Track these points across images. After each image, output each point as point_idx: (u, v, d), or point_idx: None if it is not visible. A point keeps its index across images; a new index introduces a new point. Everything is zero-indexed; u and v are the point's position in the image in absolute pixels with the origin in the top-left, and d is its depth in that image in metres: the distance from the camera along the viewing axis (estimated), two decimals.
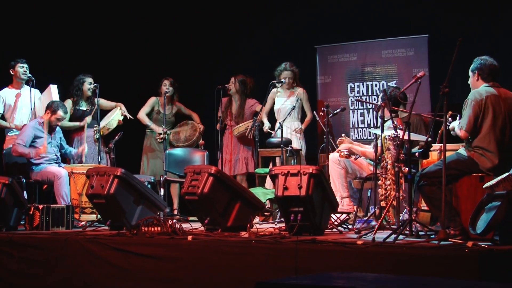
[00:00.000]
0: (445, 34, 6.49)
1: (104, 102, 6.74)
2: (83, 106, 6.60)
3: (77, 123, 6.52)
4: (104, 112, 6.71)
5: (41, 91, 6.58)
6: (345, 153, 5.28)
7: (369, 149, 5.42)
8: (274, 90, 6.63)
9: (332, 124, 6.78)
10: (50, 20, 7.51)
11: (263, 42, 7.58)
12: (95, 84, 6.42)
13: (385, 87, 6.69)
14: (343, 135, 5.64)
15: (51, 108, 5.98)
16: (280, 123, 6.19)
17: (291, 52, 7.30)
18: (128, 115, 6.64)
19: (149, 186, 5.63)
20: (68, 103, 6.53)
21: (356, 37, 7.09)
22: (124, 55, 7.71)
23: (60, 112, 5.97)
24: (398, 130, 4.50)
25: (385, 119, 5.33)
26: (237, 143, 6.74)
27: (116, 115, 6.52)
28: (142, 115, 6.89)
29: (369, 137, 6.71)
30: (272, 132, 6.39)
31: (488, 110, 4.23)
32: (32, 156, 5.80)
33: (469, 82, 4.44)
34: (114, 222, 4.91)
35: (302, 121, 6.64)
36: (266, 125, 6.55)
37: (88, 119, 6.49)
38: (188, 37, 7.80)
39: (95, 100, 6.49)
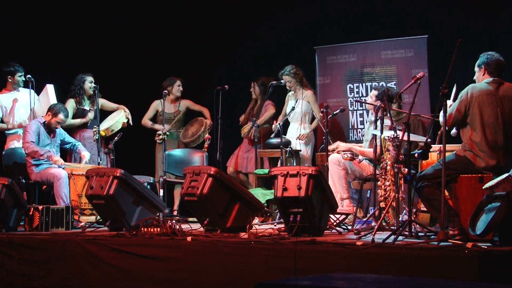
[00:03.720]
0: (444, 34, 6.48)
1: (106, 103, 6.75)
2: (86, 105, 6.60)
3: (79, 120, 6.51)
4: (106, 113, 6.69)
5: (38, 92, 6.53)
6: (348, 155, 5.28)
7: (365, 148, 5.43)
8: (289, 94, 6.65)
9: (332, 125, 6.77)
10: (48, 19, 7.49)
11: (263, 43, 7.56)
12: (95, 85, 6.41)
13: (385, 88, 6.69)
14: (336, 142, 5.59)
15: (52, 110, 5.98)
16: (279, 124, 6.18)
17: (290, 52, 7.29)
18: (130, 120, 6.62)
19: (148, 187, 5.62)
20: (71, 102, 6.53)
21: (355, 37, 7.08)
22: (123, 55, 7.69)
23: (61, 116, 5.97)
24: (397, 131, 4.49)
25: (376, 119, 5.36)
26: (247, 142, 6.79)
27: (121, 118, 6.52)
28: (145, 120, 6.93)
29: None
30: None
31: (476, 110, 4.21)
32: (44, 158, 5.80)
33: (474, 77, 4.41)
34: (113, 223, 4.91)
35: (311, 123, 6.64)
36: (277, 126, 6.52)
37: (91, 114, 6.48)
38: (188, 38, 7.78)
39: (97, 100, 6.51)
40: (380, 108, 4.89)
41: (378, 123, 4.96)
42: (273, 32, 7.50)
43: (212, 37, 7.74)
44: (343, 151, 5.32)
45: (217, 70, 7.62)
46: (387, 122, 4.97)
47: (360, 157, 5.35)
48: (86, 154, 6.05)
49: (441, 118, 4.31)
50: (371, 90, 6.83)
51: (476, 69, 4.39)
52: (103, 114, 6.71)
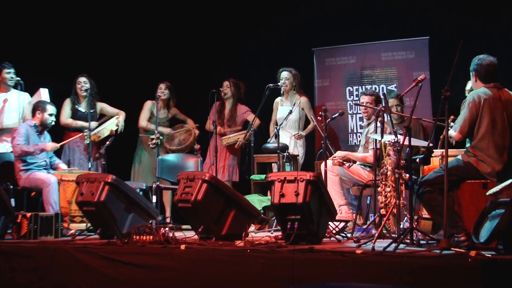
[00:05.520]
0: (446, 35, 6.49)
1: (105, 107, 6.75)
2: (82, 108, 6.59)
3: (74, 122, 6.50)
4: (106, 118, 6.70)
5: (31, 94, 6.54)
6: (338, 160, 5.27)
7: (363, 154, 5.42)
8: (277, 100, 6.68)
9: (330, 129, 6.76)
10: (43, 21, 7.47)
11: (260, 45, 7.54)
12: (89, 87, 6.44)
13: (385, 91, 6.70)
14: (338, 152, 5.61)
15: (39, 108, 6.00)
16: (276, 128, 6.17)
17: (287, 55, 7.28)
18: (120, 128, 6.59)
19: (141, 193, 5.62)
20: (66, 102, 6.58)
21: (354, 39, 7.08)
22: (119, 58, 7.67)
23: (49, 107, 6.01)
24: (398, 135, 4.49)
25: (370, 121, 5.42)
26: (223, 150, 6.75)
27: (110, 124, 6.52)
28: (144, 122, 6.88)
29: None
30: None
31: (486, 113, 4.24)
32: (37, 153, 5.81)
33: (470, 82, 4.48)
34: (104, 230, 4.90)
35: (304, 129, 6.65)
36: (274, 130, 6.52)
37: (92, 124, 6.45)
38: (186, 40, 7.76)
39: (97, 103, 6.56)
40: (380, 112, 4.89)
41: (378, 127, 4.97)
42: (270, 34, 7.47)
43: (207, 39, 7.70)
44: (335, 157, 5.31)
45: (212, 72, 7.57)
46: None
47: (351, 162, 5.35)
48: (62, 166, 6.04)
49: (452, 133, 4.33)
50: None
51: (471, 74, 4.45)
52: (103, 118, 6.71)
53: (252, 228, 5.47)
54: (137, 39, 7.79)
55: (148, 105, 6.96)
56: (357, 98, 6.94)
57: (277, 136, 6.06)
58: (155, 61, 7.73)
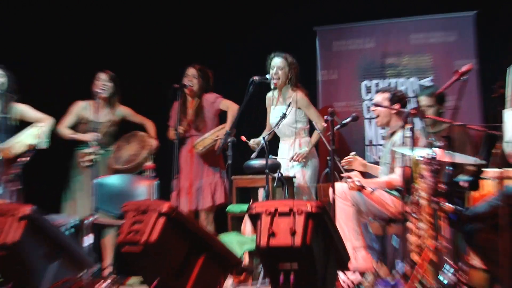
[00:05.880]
0: (500, 10, 6.53)
1: (27, 112, 6.72)
2: None
3: None
4: (27, 125, 6.66)
5: None
6: (356, 183, 5.26)
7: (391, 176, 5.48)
8: (269, 95, 6.72)
9: (341, 139, 6.68)
10: None
11: (249, 33, 7.55)
12: (1, 81, 6.45)
13: (416, 86, 6.72)
14: (352, 153, 5.69)
15: None
16: (264, 138, 6.06)
17: (280, 36, 7.27)
18: (43, 141, 6.55)
19: (72, 230, 5.64)
20: None
21: (373, 14, 7.14)
22: (53, 46, 7.69)
23: None
24: (435, 149, 4.52)
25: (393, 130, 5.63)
26: (199, 164, 6.76)
27: (27, 135, 6.49)
28: (61, 129, 6.90)
29: None
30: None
31: None
32: None
33: None
34: (16, 284, 4.81)
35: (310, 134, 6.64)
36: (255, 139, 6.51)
37: None
38: (134, 24, 7.86)
39: (15, 106, 6.54)
40: (409, 116, 4.89)
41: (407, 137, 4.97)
42: (261, 18, 7.48)
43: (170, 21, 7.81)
44: (350, 177, 5.32)
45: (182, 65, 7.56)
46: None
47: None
48: None
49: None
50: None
51: None
52: (24, 125, 6.68)
53: (230, 281, 5.50)
54: (78, 22, 7.82)
55: (74, 107, 6.96)
56: None
57: (264, 148, 5.94)
58: (99, 51, 7.73)
